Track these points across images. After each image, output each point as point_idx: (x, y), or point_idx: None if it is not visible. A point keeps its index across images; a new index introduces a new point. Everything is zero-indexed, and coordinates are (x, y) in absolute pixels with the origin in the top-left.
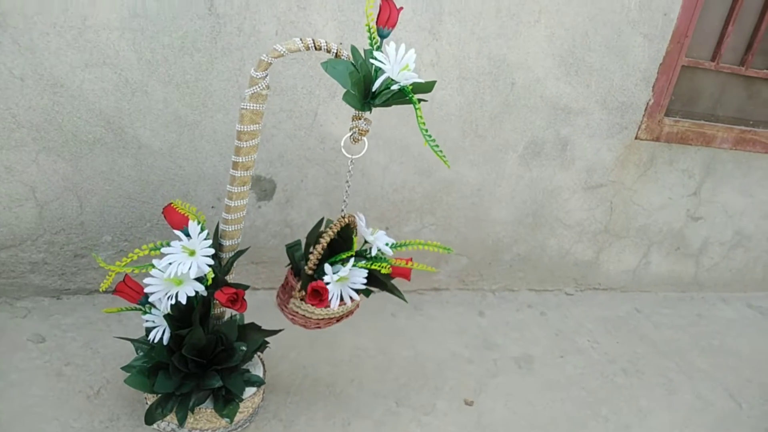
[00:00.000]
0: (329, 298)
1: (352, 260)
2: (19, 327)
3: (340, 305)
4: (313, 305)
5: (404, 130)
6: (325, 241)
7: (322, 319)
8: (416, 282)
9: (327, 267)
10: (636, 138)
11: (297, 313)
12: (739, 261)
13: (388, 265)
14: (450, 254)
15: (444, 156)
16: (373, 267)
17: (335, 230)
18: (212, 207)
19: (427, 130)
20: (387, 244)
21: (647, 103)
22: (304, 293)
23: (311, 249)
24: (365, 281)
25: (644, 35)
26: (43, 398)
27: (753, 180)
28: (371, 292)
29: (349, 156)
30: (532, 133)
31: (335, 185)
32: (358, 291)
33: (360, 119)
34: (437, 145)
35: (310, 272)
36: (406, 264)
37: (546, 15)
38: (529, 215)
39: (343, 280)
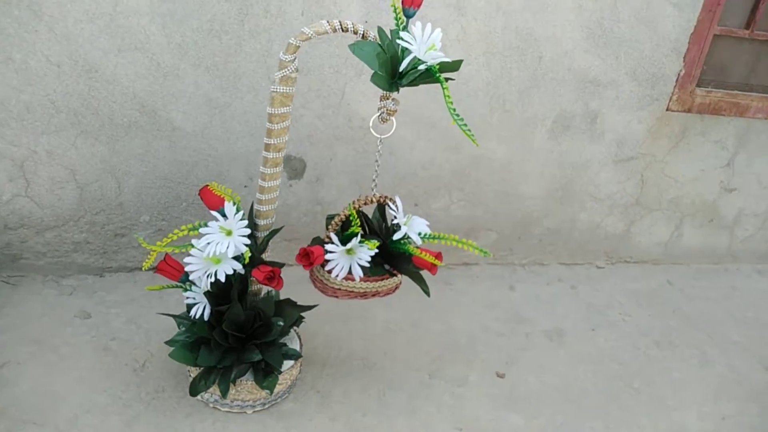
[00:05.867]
0: (332, 267)
1: (357, 236)
2: (66, 304)
3: (347, 279)
4: (300, 264)
5: (432, 107)
6: (344, 213)
7: (338, 289)
8: (446, 257)
9: (334, 237)
10: (667, 110)
11: (317, 277)
12: None
13: (413, 251)
14: (480, 231)
15: (472, 134)
16: (371, 246)
17: (358, 205)
18: (245, 186)
19: (454, 110)
20: (420, 234)
21: (678, 74)
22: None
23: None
24: (369, 260)
25: (674, 4)
26: (92, 371)
27: None
28: (385, 272)
29: (378, 136)
30: (561, 107)
31: (364, 163)
32: (375, 272)
33: (388, 99)
34: (465, 124)
35: (326, 240)
36: (434, 259)
37: None
38: (558, 189)
39: (351, 253)
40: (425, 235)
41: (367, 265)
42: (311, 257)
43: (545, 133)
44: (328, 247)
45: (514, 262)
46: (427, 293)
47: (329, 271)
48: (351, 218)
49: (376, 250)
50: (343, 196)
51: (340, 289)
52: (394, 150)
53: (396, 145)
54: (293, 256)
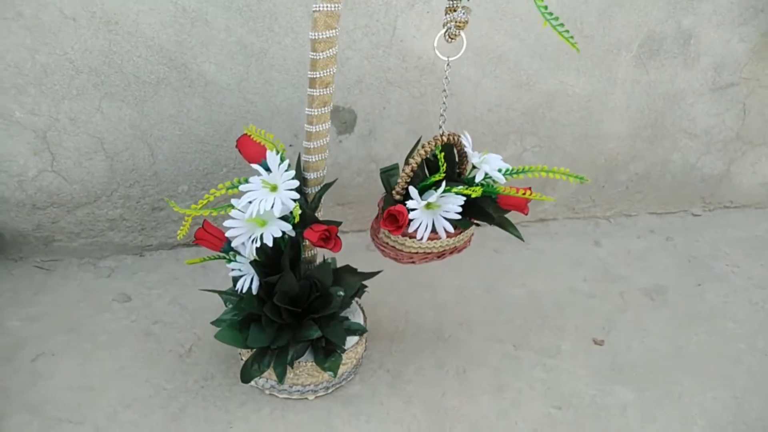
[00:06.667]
0: (416, 228)
1: (443, 184)
2: (103, 287)
3: (431, 239)
4: (389, 231)
5: (497, 38)
6: (415, 161)
7: (416, 253)
8: (518, 213)
9: (411, 190)
10: None
11: (387, 244)
12: None
13: (501, 190)
14: (560, 180)
15: (572, 38)
16: (466, 192)
17: (429, 149)
18: (290, 145)
19: (546, 7)
20: (500, 170)
21: None
22: None
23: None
24: (460, 210)
25: None
26: (133, 359)
27: None
28: (475, 225)
29: (445, 58)
30: (649, 28)
31: (421, 110)
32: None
33: (455, 10)
34: (561, 24)
35: (397, 197)
36: (524, 194)
37: None
38: (647, 127)
39: (433, 207)
40: (507, 170)
41: (458, 217)
42: (400, 219)
43: (631, 60)
44: (410, 204)
45: (597, 214)
46: (521, 237)
47: (412, 234)
48: (436, 160)
49: (466, 197)
50: (399, 150)
51: (417, 252)
52: (455, 91)
53: (457, 86)
54: (347, 221)
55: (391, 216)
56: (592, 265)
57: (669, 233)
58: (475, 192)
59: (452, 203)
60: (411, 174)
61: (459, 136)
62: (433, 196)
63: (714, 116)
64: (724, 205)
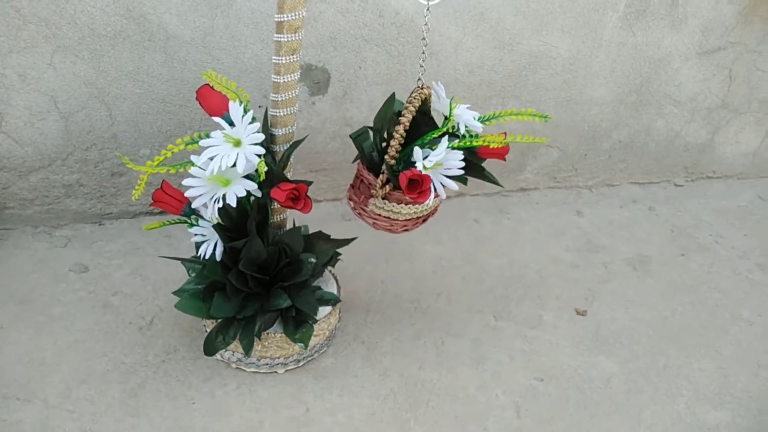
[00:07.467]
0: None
1: (445, 140)
2: (59, 257)
3: (419, 201)
4: (412, 199)
5: None
6: (406, 119)
7: (410, 219)
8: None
9: (417, 151)
10: None
11: (380, 215)
12: None
13: (496, 141)
14: (542, 149)
15: None
16: (473, 144)
17: (417, 105)
18: (259, 107)
19: None
20: (476, 118)
21: None
22: (387, 189)
23: (392, 133)
24: (463, 165)
25: None
26: (89, 333)
27: None
28: (466, 179)
29: (425, 2)
30: None
31: (400, 70)
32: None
33: None
34: None
35: (392, 162)
36: (502, 139)
37: None
38: (632, 92)
39: (437, 166)
40: (479, 117)
41: (461, 173)
42: (424, 183)
43: (617, 20)
44: (419, 166)
45: (579, 184)
46: (499, 184)
47: (414, 199)
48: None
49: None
50: (376, 113)
51: (410, 218)
52: (435, 50)
53: (437, 45)
54: (320, 189)
55: (413, 182)
56: (575, 234)
57: (652, 203)
58: (494, 143)
59: (454, 159)
60: (404, 135)
61: (427, 89)
62: (438, 154)
63: (700, 82)
64: (706, 175)
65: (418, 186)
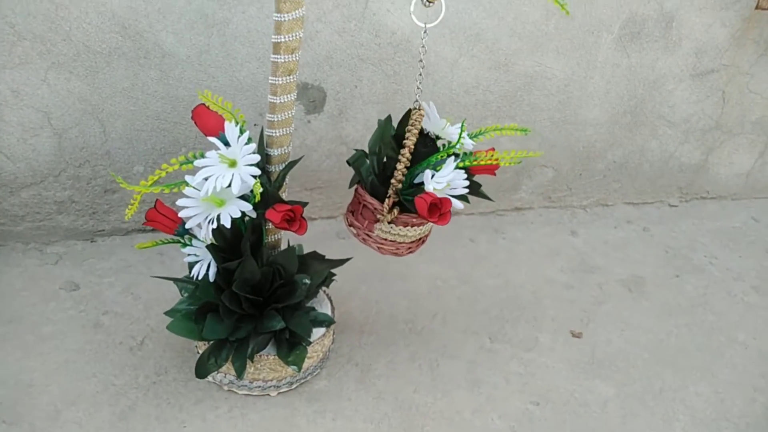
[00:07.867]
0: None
1: (451, 161)
2: (50, 275)
3: (420, 224)
4: (430, 220)
5: (475, 15)
6: (411, 142)
7: (414, 241)
8: (495, 202)
9: (427, 174)
10: (757, 8)
11: (386, 239)
12: None
13: (504, 158)
14: (537, 169)
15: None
16: (482, 163)
17: (419, 127)
18: (255, 125)
19: None
20: (466, 135)
21: None
22: (395, 214)
23: (392, 156)
24: (468, 184)
25: None
26: (79, 352)
27: None
28: (467, 197)
29: (422, 25)
30: (630, 9)
31: (395, 89)
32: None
33: None
34: None
35: (399, 185)
36: (491, 155)
37: None
38: (626, 113)
39: (446, 187)
40: (471, 134)
41: (466, 191)
42: (442, 206)
43: (611, 42)
44: (429, 187)
45: (573, 203)
46: (490, 198)
47: (417, 222)
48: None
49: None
50: (371, 132)
51: (414, 240)
52: (431, 70)
53: (433, 65)
54: (315, 207)
55: (434, 206)
56: (569, 255)
57: (646, 223)
58: (488, 160)
59: (459, 178)
60: (410, 157)
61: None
62: (446, 175)
63: (693, 104)
64: (700, 195)
65: (438, 209)
